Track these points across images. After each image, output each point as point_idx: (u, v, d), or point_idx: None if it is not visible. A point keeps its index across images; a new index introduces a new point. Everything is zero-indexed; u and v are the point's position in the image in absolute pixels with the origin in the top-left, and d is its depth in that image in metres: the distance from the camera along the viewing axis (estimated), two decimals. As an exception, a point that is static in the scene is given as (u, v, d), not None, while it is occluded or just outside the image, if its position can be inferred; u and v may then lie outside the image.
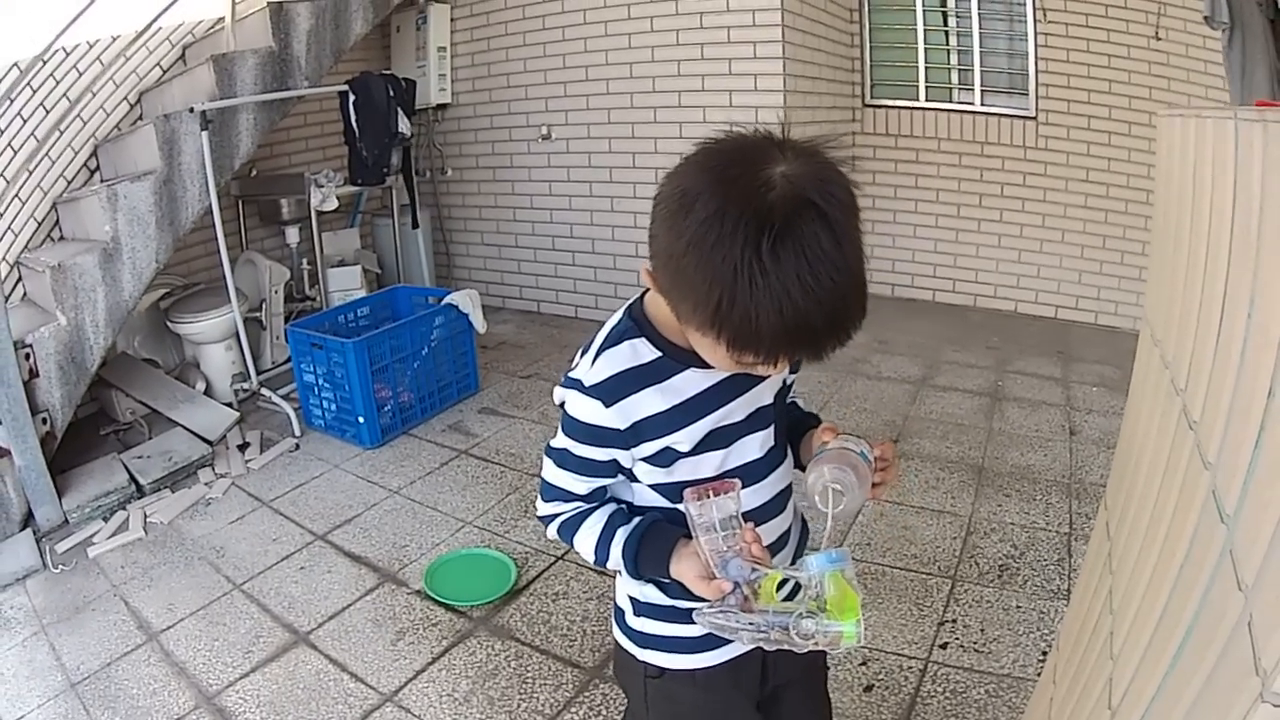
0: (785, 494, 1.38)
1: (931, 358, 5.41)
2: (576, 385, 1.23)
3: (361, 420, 4.39)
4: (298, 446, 4.50)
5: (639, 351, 1.22)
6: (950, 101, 6.28)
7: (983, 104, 6.14)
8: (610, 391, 1.20)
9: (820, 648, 1.10)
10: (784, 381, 1.38)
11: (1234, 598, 0.74)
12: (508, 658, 2.82)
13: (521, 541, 3.50)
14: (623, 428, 1.21)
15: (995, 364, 5.29)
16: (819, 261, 0.96)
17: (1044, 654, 2.67)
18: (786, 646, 1.11)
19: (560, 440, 1.29)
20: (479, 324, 4.92)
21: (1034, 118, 5.93)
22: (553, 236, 6.51)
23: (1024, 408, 4.62)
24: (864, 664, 2.68)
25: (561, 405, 1.27)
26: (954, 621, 2.87)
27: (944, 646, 2.75)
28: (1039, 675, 2.49)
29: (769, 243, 0.95)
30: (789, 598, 1.15)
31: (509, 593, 3.17)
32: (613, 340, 1.24)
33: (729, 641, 1.36)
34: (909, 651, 2.74)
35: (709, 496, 1.20)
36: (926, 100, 6.34)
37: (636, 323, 1.25)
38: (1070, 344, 5.62)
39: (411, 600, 3.16)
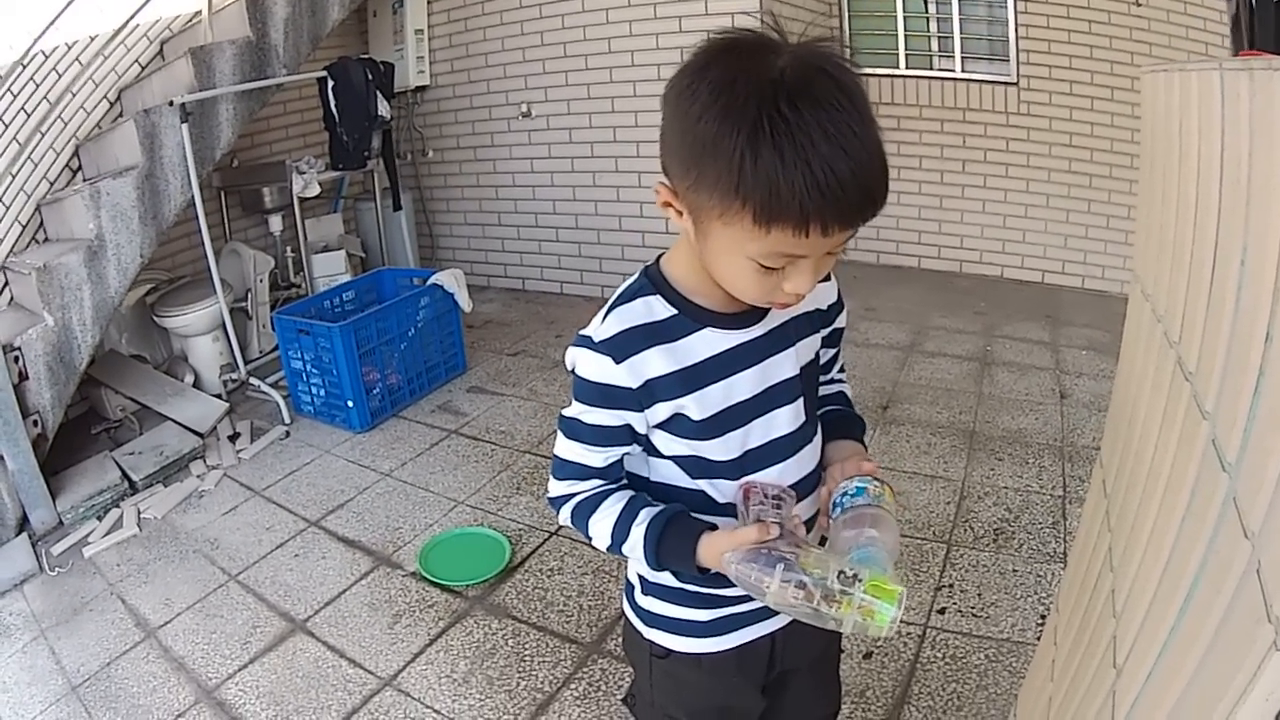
0: (814, 475, 1.33)
1: (919, 324, 5.42)
2: (586, 342, 1.18)
3: (350, 404, 4.37)
4: (288, 434, 4.49)
5: (653, 308, 1.19)
6: (930, 69, 6.25)
7: (963, 70, 6.11)
8: (620, 347, 1.16)
9: (845, 627, 1.06)
10: (814, 355, 1.32)
11: (1241, 546, 0.74)
12: (505, 636, 2.82)
13: (515, 519, 3.50)
14: (635, 386, 1.16)
15: (983, 329, 5.29)
16: (839, 114, 0.94)
17: (1042, 617, 2.68)
18: (811, 616, 1.07)
19: (571, 408, 1.23)
20: (464, 303, 4.90)
21: (1015, 83, 5.91)
22: (536, 213, 6.49)
23: (1014, 372, 4.62)
24: (862, 631, 2.68)
25: (572, 370, 1.22)
26: (951, 586, 2.88)
27: (942, 612, 2.76)
28: (1038, 639, 2.50)
29: (785, 97, 0.93)
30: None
31: (504, 570, 3.17)
32: (626, 297, 1.21)
33: (736, 628, 1.34)
34: (907, 617, 2.74)
35: (765, 500, 1.18)
36: (907, 68, 6.30)
37: (652, 280, 1.21)
38: (1058, 308, 5.62)
39: (407, 582, 3.16)
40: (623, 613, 1.49)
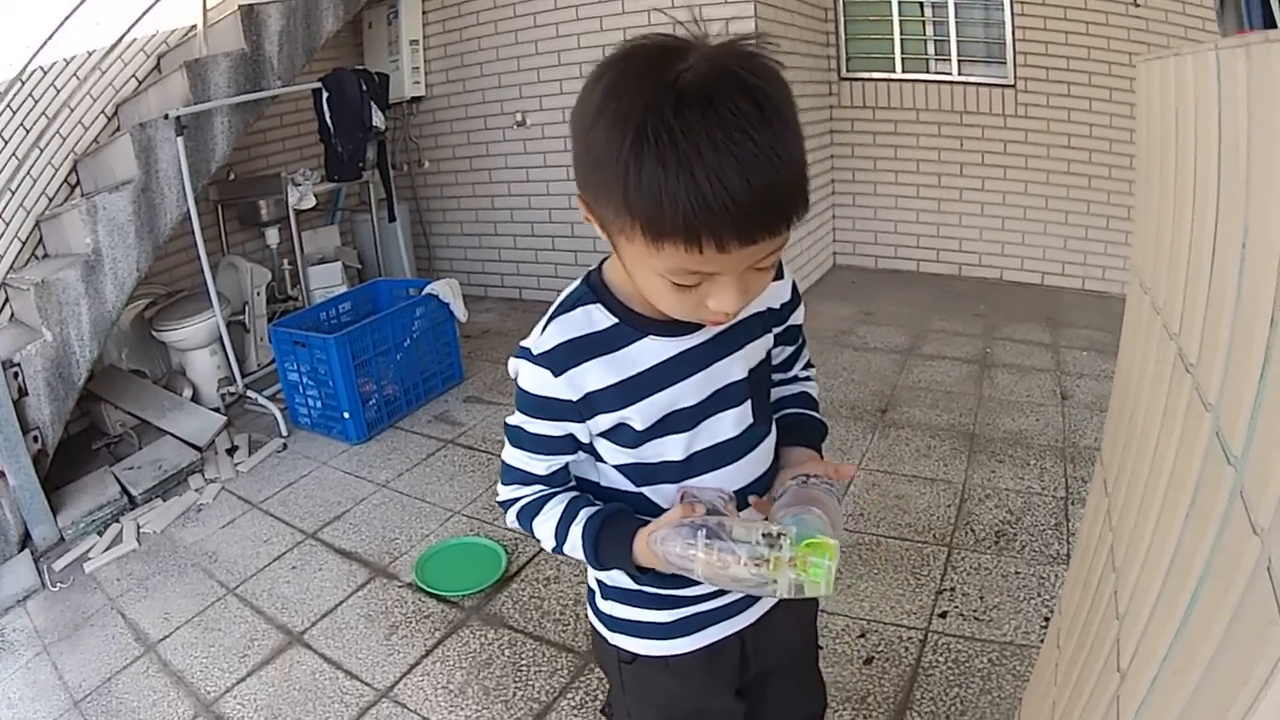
0: (767, 476, 1.29)
1: (918, 327, 5.40)
2: (525, 354, 1.15)
3: (347, 416, 4.36)
4: (285, 446, 4.47)
5: (593, 318, 1.14)
6: (927, 72, 6.25)
7: (960, 73, 6.11)
8: (559, 360, 1.12)
9: (780, 589, 1.02)
10: (765, 355, 1.28)
11: (1249, 542, 0.71)
12: (501, 646, 2.80)
13: (511, 528, 3.45)
14: (575, 399, 1.13)
15: (983, 331, 5.27)
16: (733, 119, 0.87)
17: (1046, 620, 2.65)
18: (747, 584, 1.04)
19: (514, 417, 1.20)
20: (460, 313, 4.88)
21: (1013, 86, 5.90)
22: (532, 223, 6.48)
23: (1014, 374, 4.60)
24: (862, 636, 2.66)
25: (515, 378, 1.18)
26: (952, 590, 2.85)
27: (943, 615, 2.73)
28: (1042, 642, 2.48)
29: (673, 103, 0.87)
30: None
31: (500, 580, 3.15)
32: (566, 306, 1.16)
33: (700, 628, 1.31)
34: (908, 622, 2.72)
35: (698, 506, 1.13)
36: (903, 71, 6.30)
37: (593, 288, 1.17)
38: (1058, 310, 5.60)
39: (403, 593, 3.14)
40: (590, 623, 1.46)
